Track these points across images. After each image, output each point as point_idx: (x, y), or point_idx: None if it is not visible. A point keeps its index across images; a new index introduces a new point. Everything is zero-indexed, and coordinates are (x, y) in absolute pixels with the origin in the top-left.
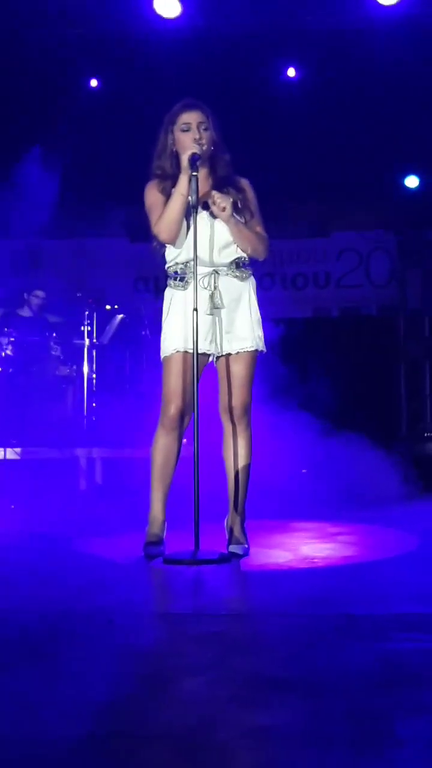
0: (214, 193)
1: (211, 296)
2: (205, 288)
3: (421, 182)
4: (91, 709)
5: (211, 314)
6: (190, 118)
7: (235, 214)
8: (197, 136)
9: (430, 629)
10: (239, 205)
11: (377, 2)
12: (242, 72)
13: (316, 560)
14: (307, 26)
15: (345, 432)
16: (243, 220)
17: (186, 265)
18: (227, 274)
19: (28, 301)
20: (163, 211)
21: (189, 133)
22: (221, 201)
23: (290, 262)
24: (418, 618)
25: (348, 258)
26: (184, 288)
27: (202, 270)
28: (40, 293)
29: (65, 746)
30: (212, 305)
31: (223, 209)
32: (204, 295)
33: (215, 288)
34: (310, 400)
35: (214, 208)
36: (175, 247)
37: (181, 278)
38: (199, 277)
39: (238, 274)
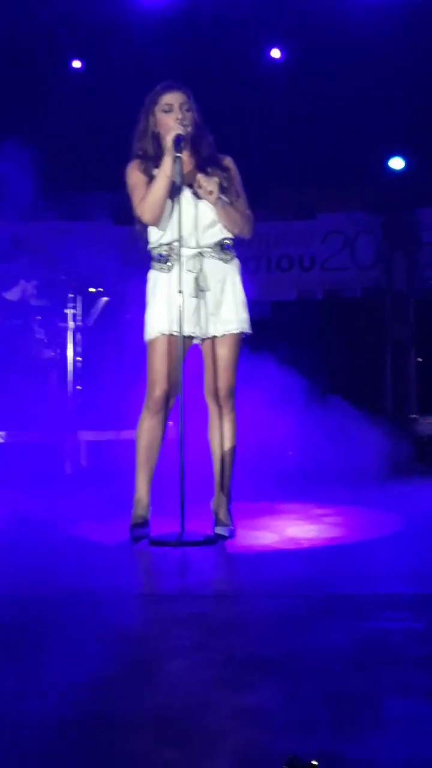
0: (200, 176)
1: (197, 279)
2: (190, 270)
3: (406, 163)
4: (76, 692)
5: (196, 297)
6: (172, 98)
7: (222, 196)
8: (180, 117)
9: (413, 609)
10: (224, 185)
11: None
12: (227, 53)
13: (301, 541)
14: (292, 7)
15: (331, 414)
16: (229, 201)
17: (170, 247)
18: (212, 256)
19: (24, 288)
20: (147, 192)
21: (171, 114)
22: (207, 185)
23: (275, 244)
24: (401, 598)
25: (333, 240)
26: (169, 270)
27: (186, 252)
28: (33, 283)
29: (50, 729)
30: (197, 288)
31: (210, 193)
32: (189, 278)
33: (200, 270)
34: (295, 382)
35: (200, 192)
36: (159, 229)
37: (165, 260)
38: (183, 259)
39: (222, 255)
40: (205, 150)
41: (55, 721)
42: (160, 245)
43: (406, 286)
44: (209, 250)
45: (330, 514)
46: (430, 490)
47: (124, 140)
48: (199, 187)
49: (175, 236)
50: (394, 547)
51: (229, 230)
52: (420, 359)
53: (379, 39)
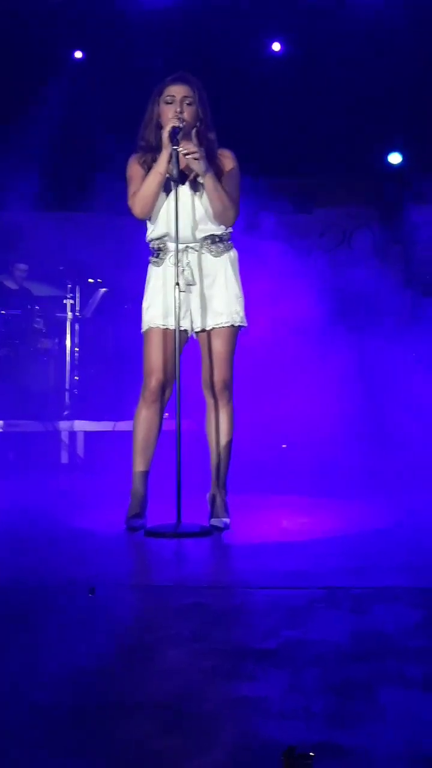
0: (184, 142)
1: (182, 272)
2: (177, 264)
3: (404, 158)
4: (73, 680)
5: (183, 290)
6: (175, 90)
7: (210, 170)
8: (178, 109)
9: (409, 602)
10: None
11: None
12: (227, 45)
13: (297, 533)
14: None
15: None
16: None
17: (161, 241)
18: (202, 251)
19: (12, 273)
20: (139, 187)
21: (171, 106)
22: (190, 148)
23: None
24: (397, 591)
25: (331, 235)
26: (158, 264)
27: (175, 246)
28: (22, 266)
29: (47, 717)
30: (184, 281)
31: (193, 154)
32: (176, 272)
33: (187, 264)
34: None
35: (187, 158)
36: (152, 222)
37: (156, 254)
38: (171, 252)
39: (213, 249)
40: (205, 146)
41: (54, 708)
42: (152, 239)
43: (404, 281)
44: (198, 244)
45: (326, 506)
46: None
47: (127, 131)
48: (186, 154)
49: (166, 230)
50: (390, 540)
51: (214, 209)
52: None
53: (380, 33)
